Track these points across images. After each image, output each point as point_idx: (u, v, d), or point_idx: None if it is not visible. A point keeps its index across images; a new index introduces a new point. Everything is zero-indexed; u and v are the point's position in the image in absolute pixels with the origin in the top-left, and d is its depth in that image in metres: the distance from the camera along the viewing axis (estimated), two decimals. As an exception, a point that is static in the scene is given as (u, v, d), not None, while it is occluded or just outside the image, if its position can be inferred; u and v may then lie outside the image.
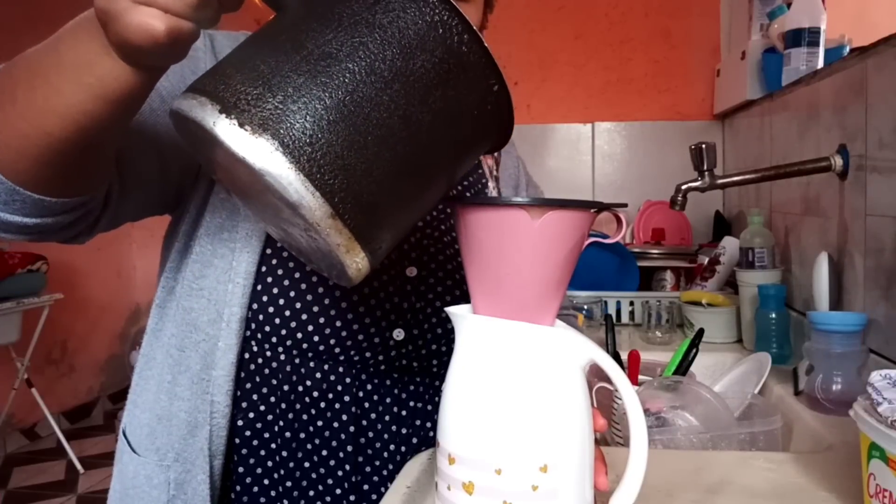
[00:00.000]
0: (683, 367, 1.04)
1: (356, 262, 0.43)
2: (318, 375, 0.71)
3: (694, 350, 1.05)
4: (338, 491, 0.72)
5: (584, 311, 1.47)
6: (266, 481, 0.72)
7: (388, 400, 0.73)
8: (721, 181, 1.18)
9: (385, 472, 0.73)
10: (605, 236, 0.61)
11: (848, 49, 1.42)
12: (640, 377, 1.09)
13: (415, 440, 0.75)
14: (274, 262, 0.70)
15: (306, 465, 0.72)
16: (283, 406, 0.71)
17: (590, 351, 0.51)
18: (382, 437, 0.73)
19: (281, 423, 0.72)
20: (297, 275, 0.70)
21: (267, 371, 0.71)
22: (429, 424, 0.76)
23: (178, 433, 0.70)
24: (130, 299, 3.97)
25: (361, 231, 0.42)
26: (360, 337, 0.71)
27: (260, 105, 0.39)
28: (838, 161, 1.09)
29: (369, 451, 0.73)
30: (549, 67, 2.22)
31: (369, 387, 0.73)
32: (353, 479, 0.72)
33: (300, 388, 0.71)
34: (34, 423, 3.32)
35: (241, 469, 0.72)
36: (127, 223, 0.67)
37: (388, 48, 0.41)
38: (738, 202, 1.89)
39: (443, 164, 0.46)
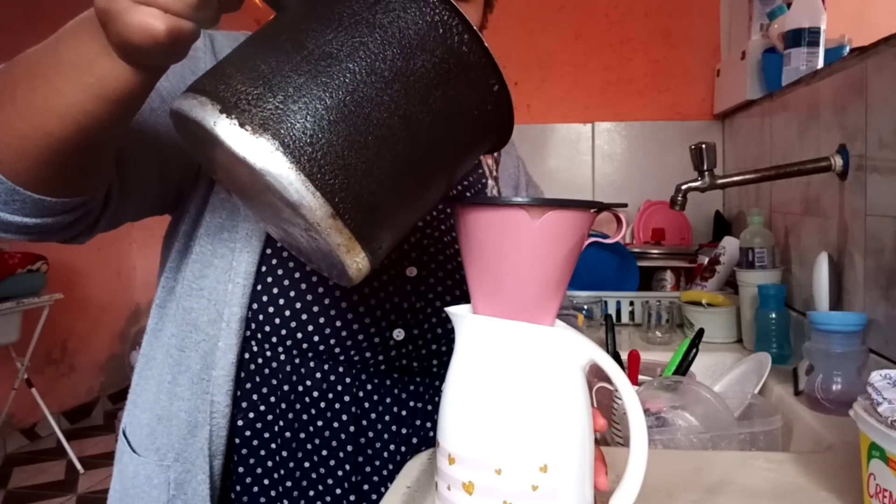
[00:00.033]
0: (683, 367, 1.04)
1: (356, 262, 0.43)
2: (318, 375, 0.71)
3: (694, 350, 1.05)
4: (338, 491, 0.72)
5: (584, 311, 1.47)
6: (266, 481, 0.72)
7: (388, 400, 0.73)
8: (721, 181, 1.18)
9: (385, 472, 0.73)
10: (605, 236, 0.61)
11: (848, 49, 1.42)
12: (640, 377, 1.09)
13: (415, 440, 0.75)
14: (274, 262, 0.70)
15: (306, 465, 0.72)
16: (283, 406, 0.71)
17: (590, 351, 0.51)
18: (382, 437, 0.73)
19: (281, 423, 0.72)
20: (297, 275, 0.70)
21: (267, 371, 0.71)
22: (429, 424, 0.76)
23: (178, 433, 0.70)
24: (130, 299, 3.97)
25: (362, 231, 0.42)
26: (360, 337, 0.71)
27: (260, 105, 0.39)
28: (838, 161, 1.10)
29: (369, 451, 0.73)
30: (549, 67, 2.22)
31: (369, 387, 0.73)
32: (353, 479, 0.72)
33: (300, 388, 0.71)
34: (34, 423, 3.32)
35: (241, 469, 0.72)
36: (127, 223, 0.67)
37: (389, 48, 0.41)
38: (738, 202, 1.89)
39: (443, 164, 0.46)
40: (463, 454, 0.50)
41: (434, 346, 0.75)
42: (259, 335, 0.70)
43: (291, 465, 0.72)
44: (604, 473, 0.57)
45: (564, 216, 0.48)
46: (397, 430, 0.74)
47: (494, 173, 0.90)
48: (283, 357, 0.71)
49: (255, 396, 0.72)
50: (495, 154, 0.91)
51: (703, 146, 1.15)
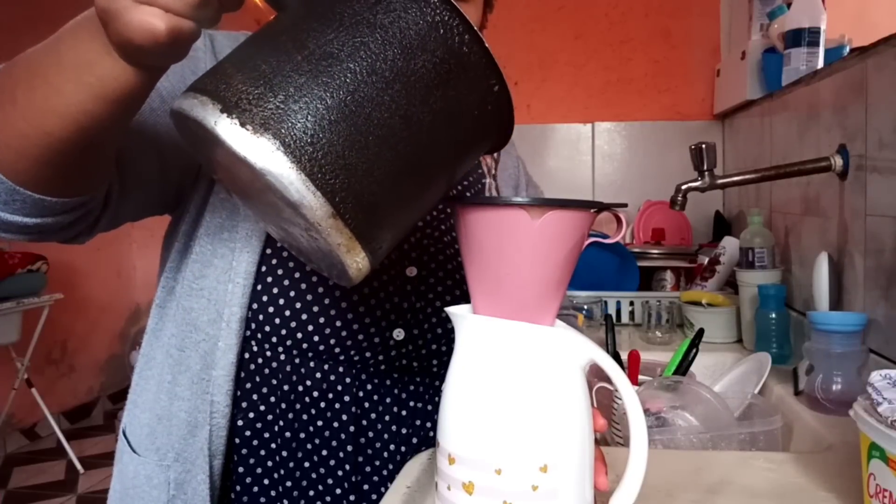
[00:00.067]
0: (683, 367, 1.04)
1: (357, 262, 0.43)
2: (318, 375, 0.71)
3: (694, 350, 1.05)
4: (338, 491, 0.72)
5: (584, 311, 1.47)
6: (266, 481, 0.72)
7: (388, 400, 0.73)
8: (721, 181, 1.18)
9: (385, 472, 0.73)
10: (605, 236, 0.61)
11: (848, 49, 1.42)
12: (640, 377, 1.09)
13: (415, 440, 0.75)
14: (274, 262, 0.70)
15: (306, 465, 0.72)
16: (283, 406, 0.71)
17: (590, 351, 0.51)
18: (382, 437, 0.73)
19: (281, 423, 0.72)
20: (297, 275, 0.70)
21: (267, 371, 0.71)
22: (429, 424, 0.76)
23: (178, 433, 0.70)
24: (130, 299, 3.97)
25: (362, 231, 0.42)
26: (360, 337, 0.71)
27: (261, 104, 0.39)
28: (838, 161, 1.10)
29: (369, 451, 0.73)
30: (549, 67, 2.22)
31: (369, 387, 0.73)
32: (353, 479, 0.72)
33: (300, 388, 0.71)
34: (34, 423, 3.32)
35: (241, 469, 0.72)
36: (127, 223, 0.67)
37: (390, 48, 0.41)
38: (738, 202, 1.89)
39: (443, 164, 0.46)
40: (463, 454, 0.50)
41: (434, 346, 0.75)
42: (259, 335, 0.70)
43: (291, 465, 0.72)
44: (604, 473, 0.57)
45: (564, 216, 0.48)
46: (397, 430, 0.74)
47: (493, 172, 0.90)
48: (283, 357, 0.71)
49: (255, 396, 0.72)
50: (495, 154, 0.91)
51: (703, 146, 1.15)
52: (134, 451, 0.72)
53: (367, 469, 0.73)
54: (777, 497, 0.66)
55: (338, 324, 0.70)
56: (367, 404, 0.72)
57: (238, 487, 0.72)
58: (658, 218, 2.00)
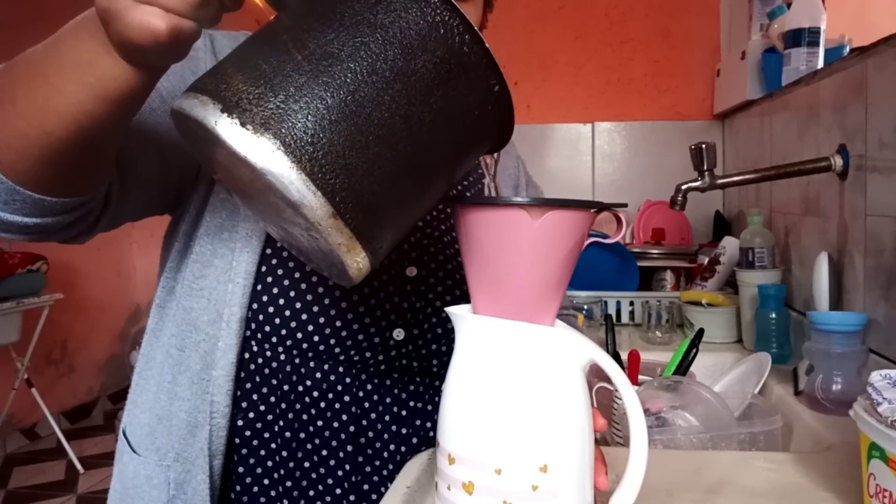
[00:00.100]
0: (683, 367, 1.04)
1: (357, 262, 0.43)
2: (318, 375, 0.71)
3: (694, 350, 1.05)
4: (338, 491, 0.72)
5: (584, 311, 1.47)
6: (266, 481, 0.72)
7: (388, 400, 0.73)
8: (721, 181, 1.18)
9: (385, 472, 0.73)
10: (605, 236, 0.61)
11: (848, 49, 1.42)
12: (640, 377, 1.09)
13: (415, 440, 0.75)
14: (274, 262, 0.70)
15: (306, 465, 0.72)
16: (283, 406, 0.71)
17: (590, 351, 0.51)
18: (382, 437, 0.73)
19: (281, 423, 0.72)
20: (297, 275, 0.70)
21: (267, 371, 0.71)
22: (429, 424, 0.76)
23: (178, 433, 0.70)
24: (130, 299, 3.97)
25: (362, 231, 0.42)
26: (360, 337, 0.71)
27: (262, 104, 0.39)
28: (838, 161, 1.10)
29: (369, 451, 0.73)
30: (549, 67, 2.22)
31: (369, 387, 0.73)
32: (353, 479, 0.72)
33: (300, 388, 0.71)
34: (34, 423, 3.32)
35: (241, 469, 0.72)
36: (127, 223, 0.67)
37: (390, 48, 0.41)
38: (738, 202, 1.89)
39: (443, 164, 0.46)
40: (463, 454, 0.50)
41: (434, 346, 0.75)
42: (259, 335, 0.70)
43: (291, 465, 0.72)
44: (604, 473, 0.57)
45: (564, 216, 0.48)
46: (397, 430, 0.74)
47: (492, 172, 0.90)
48: (283, 357, 0.71)
49: (255, 396, 0.72)
50: (495, 154, 0.91)
51: (703, 146, 1.15)
52: (134, 451, 0.72)
53: (367, 469, 0.73)
54: (777, 497, 0.66)
55: (338, 324, 0.70)
56: (367, 404, 0.72)
57: (238, 487, 0.72)
58: (658, 218, 2.00)
